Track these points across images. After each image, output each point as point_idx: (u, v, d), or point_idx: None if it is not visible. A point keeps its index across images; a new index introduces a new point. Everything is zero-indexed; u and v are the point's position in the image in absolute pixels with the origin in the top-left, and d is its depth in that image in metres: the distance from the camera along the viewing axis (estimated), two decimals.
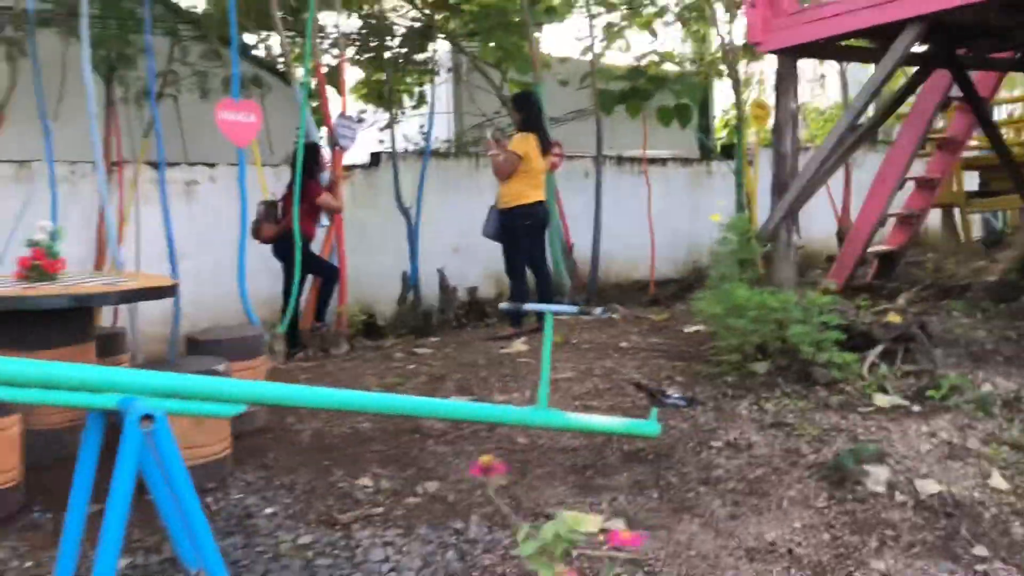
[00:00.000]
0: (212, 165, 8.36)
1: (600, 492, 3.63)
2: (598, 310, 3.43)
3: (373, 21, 9.91)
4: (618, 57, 11.17)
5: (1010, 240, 7.86)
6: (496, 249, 6.60)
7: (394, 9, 10.63)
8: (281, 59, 9.46)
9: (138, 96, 7.89)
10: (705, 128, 14.57)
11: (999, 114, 11.36)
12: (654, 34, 11.40)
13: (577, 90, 9.61)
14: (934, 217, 9.76)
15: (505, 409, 3.31)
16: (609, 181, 10.96)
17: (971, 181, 9.69)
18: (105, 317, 7.04)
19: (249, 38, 9.74)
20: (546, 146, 6.35)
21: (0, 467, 3.26)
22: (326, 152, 7.32)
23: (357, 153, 10.33)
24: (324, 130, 7.68)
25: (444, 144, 11.66)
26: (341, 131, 7.14)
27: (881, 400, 4.28)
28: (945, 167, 6.81)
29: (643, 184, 10.38)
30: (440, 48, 11.58)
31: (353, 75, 10.78)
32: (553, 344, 5.85)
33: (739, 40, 9.31)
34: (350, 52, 10.18)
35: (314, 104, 7.93)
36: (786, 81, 4.87)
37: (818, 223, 11.88)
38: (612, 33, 11.17)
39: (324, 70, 8.77)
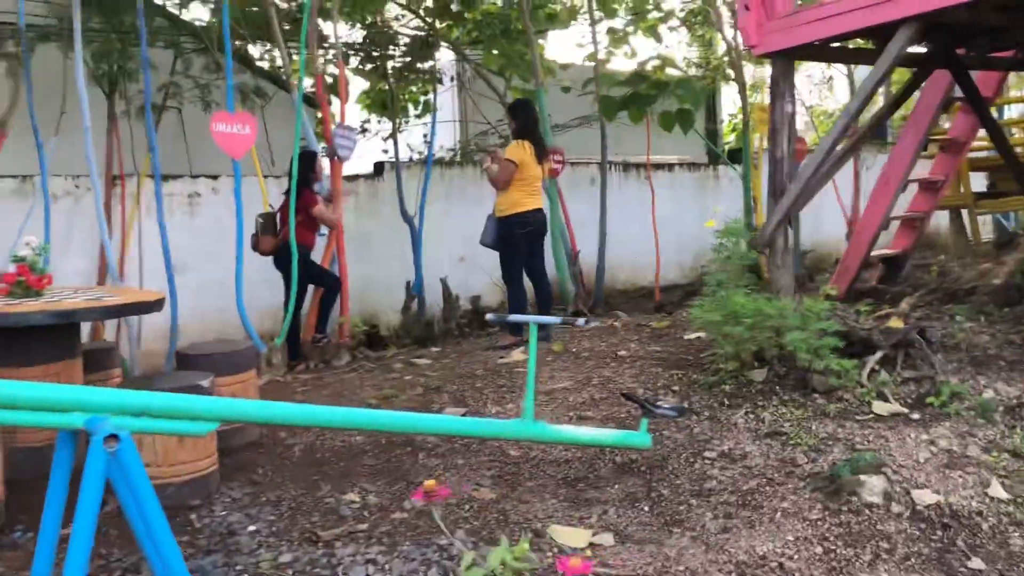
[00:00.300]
0: (215, 177, 8.37)
1: (591, 505, 3.57)
2: (580, 320, 3.38)
3: (376, 31, 9.90)
4: (623, 62, 11.14)
5: (1020, 241, 7.73)
6: None
7: (396, 18, 10.64)
8: (283, 70, 9.47)
9: (140, 109, 7.91)
10: (712, 133, 14.49)
11: (1009, 113, 11.22)
12: (659, 39, 11.36)
13: (579, 96, 9.56)
14: (945, 219, 9.65)
15: (490, 423, 3.26)
16: (615, 187, 10.91)
17: (979, 182, 9.57)
18: (108, 332, 7.06)
19: (253, 49, 9.78)
20: (542, 153, 6.30)
21: None
22: (325, 162, 7.31)
23: (360, 163, 10.35)
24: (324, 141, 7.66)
25: (449, 152, 11.65)
26: (340, 141, 7.12)
27: (880, 408, 4.20)
28: (949, 168, 6.71)
29: (649, 190, 10.32)
30: (444, 57, 11.59)
31: (358, 85, 10.80)
32: (552, 353, 5.85)
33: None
34: (354, 62, 10.21)
35: (319, 115, 7.93)
36: (781, 84, 4.80)
37: (828, 225, 11.78)
38: (616, 39, 11.14)
39: (326, 80, 8.80)
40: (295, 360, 6.76)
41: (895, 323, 5.00)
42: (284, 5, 9.05)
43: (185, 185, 8.36)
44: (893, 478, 3.54)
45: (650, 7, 11.44)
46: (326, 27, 8.62)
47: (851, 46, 5.54)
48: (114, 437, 2.33)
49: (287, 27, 8.36)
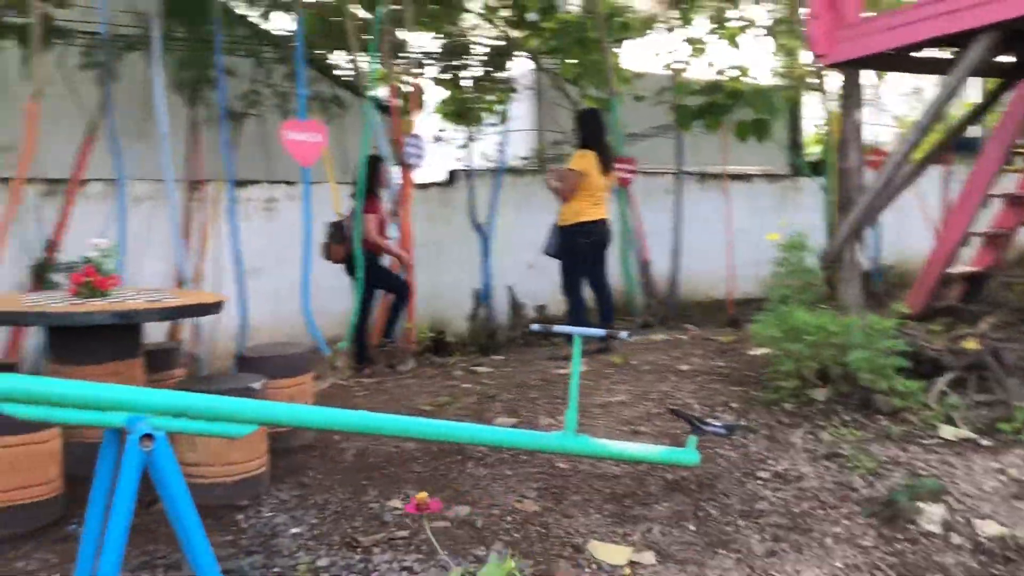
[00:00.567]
0: (291, 183, 8.55)
1: (636, 522, 3.51)
2: (623, 334, 3.32)
3: (454, 41, 9.99)
4: (702, 71, 10.97)
5: None
6: None
7: (474, 28, 10.71)
8: (359, 79, 9.63)
9: (219, 118, 8.13)
10: (796, 143, 14.16)
11: None
12: (740, 48, 11.16)
13: (653, 106, 9.47)
14: None
15: (530, 434, 3.23)
16: (691, 197, 10.76)
17: None
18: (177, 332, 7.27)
19: (335, 59, 9.96)
20: (607, 163, 6.24)
21: (39, 479, 3.36)
22: (396, 170, 7.38)
23: (434, 171, 10.44)
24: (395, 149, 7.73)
25: (523, 161, 11.66)
26: (409, 150, 7.19)
27: (947, 432, 4.02)
28: None
29: (727, 201, 10.15)
30: (521, 66, 11.61)
31: (436, 94, 10.91)
32: (612, 365, 5.78)
33: None
34: (432, 71, 10.32)
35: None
36: (851, 94, 4.65)
37: (914, 240, 11.38)
38: (696, 48, 10.99)
39: (400, 89, 8.91)
40: (362, 364, 6.84)
41: (970, 344, 4.78)
42: (365, 15, 9.20)
43: (263, 190, 8.57)
44: (955, 507, 3.38)
45: (731, 16, 11.27)
46: (405, 36, 8.74)
47: (924, 55, 5.32)
48: (149, 437, 2.39)
49: (370, 37, 8.50)
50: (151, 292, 4.31)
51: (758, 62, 11.23)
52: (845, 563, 3.08)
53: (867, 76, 11.71)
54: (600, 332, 3.42)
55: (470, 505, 3.62)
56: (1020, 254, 9.51)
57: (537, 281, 8.98)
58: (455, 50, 10.01)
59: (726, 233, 9.44)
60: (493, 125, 10.64)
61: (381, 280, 6.96)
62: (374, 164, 6.71)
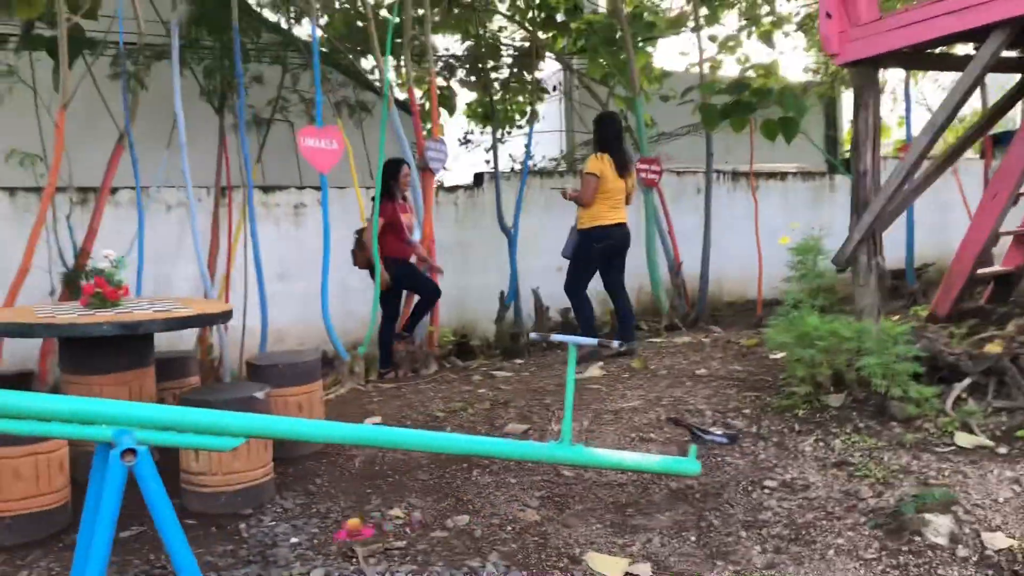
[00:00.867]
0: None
1: (636, 532, 3.48)
2: (615, 343, 3.28)
3: (481, 43, 10.00)
4: (733, 69, 10.85)
5: None
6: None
7: (501, 29, 10.72)
8: (396, 82, 9.69)
9: (247, 124, 8.22)
10: (832, 140, 13.94)
11: None
12: (772, 45, 11.03)
13: (678, 105, 9.38)
14: None
15: (522, 445, 3.21)
16: (723, 197, 10.66)
17: None
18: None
19: (364, 64, 10.02)
20: (623, 166, 6.19)
21: (47, 488, 3.42)
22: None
23: (463, 174, 10.46)
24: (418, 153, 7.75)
25: (552, 163, 11.63)
26: (431, 154, 7.20)
27: (963, 439, 3.92)
28: None
29: (760, 200, 10.01)
30: (549, 67, 11.59)
31: (465, 96, 10.93)
32: (630, 370, 5.74)
33: None
34: (459, 74, 10.34)
35: (426, 127, 8.06)
36: (865, 94, 4.54)
37: (957, 237, 11.09)
38: (728, 46, 10.87)
39: (419, 93, 8.94)
40: (385, 368, 6.86)
41: (995, 347, 4.66)
42: (389, 17, 9.24)
43: (291, 196, 8.68)
44: (963, 518, 3.29)
45: (763, 13, 11.13)
46: (431, 40, 8.76)
47: (941, 52, 5.19)
48: (132, 451, 2.42)
49: (396, 40, 8.53)
50: (163, 301, 4.37)
51: (790, 59, 11.08)
52: None
53: (897, 74, 11.49)
54: (592, 341, 3.39)
55: (470, 514, 3.62)
56: None
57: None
58: (482, 53, 10.02)
59: (756, 232, 9.31)
60: (520, 127, 10.64)
61: (412, 282, 6.93)
62: (392, 168, 6.70)
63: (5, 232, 7.05)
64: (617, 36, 9.07)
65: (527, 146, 9.27)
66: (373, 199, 6.80)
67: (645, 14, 9.54)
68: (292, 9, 8.86)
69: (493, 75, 10.22)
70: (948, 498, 3.39)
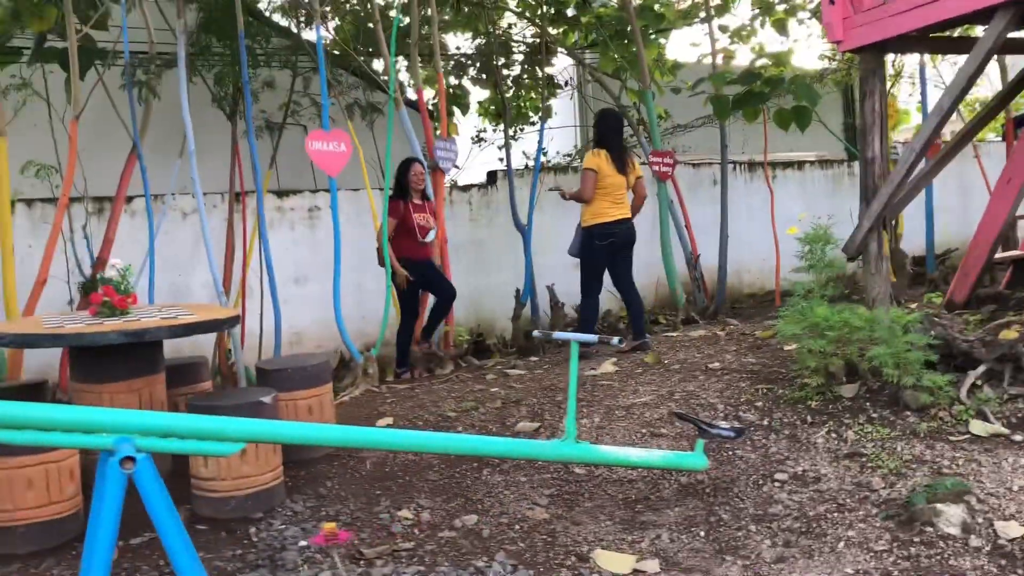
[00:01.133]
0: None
1: (645, 528, 3.46)
2: (615, 340, 3.27)
3: (492, 40, 9.99)
4: (748, 59, 10.75)
5: None
6: None
7: (511, 26, 10.69)
8: (408, 84, 9.69)
9: (259, 129, 8.26)
10: (851, 128, 13.77)
11: None
12: (786, 33, 10.91)
13: (689, 96, 9.31)
14: None
15: (526, 443, 3.21)
16: (740, 187, 10.58)
17: None
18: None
19: (376, 65, 10.04)
20: (621, 161, 6.14)
21: (58, 496, 3.45)
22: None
23: (476, 172, 10.45)
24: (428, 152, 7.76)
25: (566, 158, 11.59)
26: (440, 153, 7.19)
27: (978, 427, 3.86)
28: None
29: (778, 189, 9.93)
30: (561, 62, 11.55)
31: (477, 94, 10.91)
32: (643, 365, 5.71)
33: None
34: (470, 72, 10.34)
35: (435, 126, 8.05)
36: (871, 80, 4.48)
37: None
38: (742, 35, 10.77)
39: (431, 92, 8.94)
40: (402, 368, 6.86)
41: (1010, 333, 4.58)
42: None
43: (305, 199, 8.70)
44: (976, 507, 3.25)
45: (776, 1, 11.01)
46: (441, 39, 8.77)
47: (946, 35, 5.11)
48: (131, 459, 2.43)
49: (407, 40, 8.53)
50: (171, 308, 4.40)
51: (805, 47, 10.98)
52: (856, 568, 2.99)
53: (915, 57, 11.33)
54: (593, 338, 3.38)
55: (479, 514, 3.61)
56: None
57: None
58: (493, 50, 10.01)
59: (772, 222, 9.23)
60: (533, 124, 10.61)
61: (429, 282, 6.90)
62: (402, 167, 6.70)
63: (24, 243, 7.13)
64: (627, 29, 9.03)
65: (539, 142, 9.24)
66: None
67: (655, 6, 9.45)
68: (301, 13, 8.89)
69: (505, 72, 10.20)
70: (961, 487, 3.34)
